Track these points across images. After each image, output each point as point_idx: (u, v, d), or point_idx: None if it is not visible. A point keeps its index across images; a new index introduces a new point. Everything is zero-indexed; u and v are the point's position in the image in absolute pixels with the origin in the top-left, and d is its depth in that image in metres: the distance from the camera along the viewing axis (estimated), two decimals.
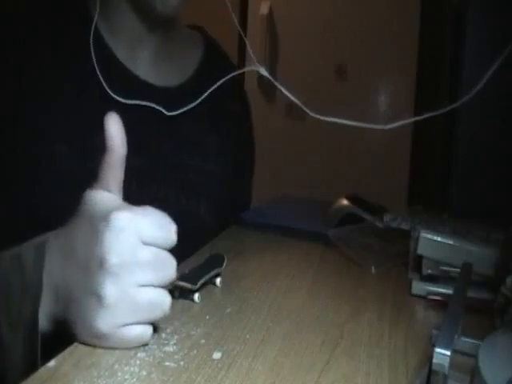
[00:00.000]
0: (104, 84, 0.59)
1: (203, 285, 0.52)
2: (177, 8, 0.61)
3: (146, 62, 0.67)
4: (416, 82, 2.01)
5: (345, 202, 0.82)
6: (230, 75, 0.54)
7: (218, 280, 0.55)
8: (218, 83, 0.55)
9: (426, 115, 0.44)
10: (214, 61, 0.74)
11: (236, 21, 0.58)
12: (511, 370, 0.34)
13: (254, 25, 2.25)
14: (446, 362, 0.33)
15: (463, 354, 0.42)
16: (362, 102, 2.17)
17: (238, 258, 0.66)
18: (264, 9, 2.24)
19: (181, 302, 0.51)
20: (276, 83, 0.54)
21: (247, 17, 2.32)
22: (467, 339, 0.43)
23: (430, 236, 0.58)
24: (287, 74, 2.29)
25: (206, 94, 0.56)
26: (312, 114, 0.52)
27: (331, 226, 0.80)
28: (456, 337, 0.39)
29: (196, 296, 0.50)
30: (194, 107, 0.59)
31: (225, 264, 0.56)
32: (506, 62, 0.41)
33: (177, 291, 0.50)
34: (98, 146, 0.56)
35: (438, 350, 0.33)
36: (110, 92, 0.59)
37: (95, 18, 0.60)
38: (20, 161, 0.59)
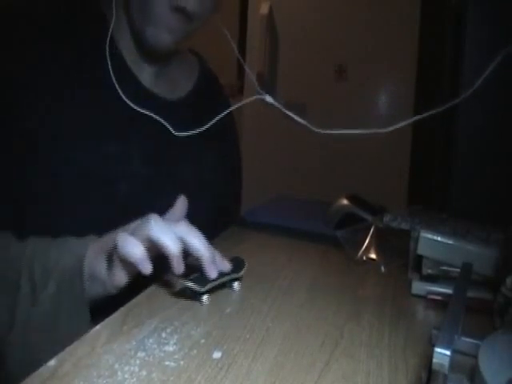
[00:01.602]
0: (117, 88, 0.63)
1: (220, 287, 0.54)
2: (169, 46, 0.64)
3: (150, 74, 0.71)
4: (416, 82, 2.02)
5: (345, 201, 0.82)
6: (236, 105, 0.67)
7: (235, 284, 0.56)
8: (230, 109, 0.69)
9: (426, 114, 0.44)
10: (207, 82, 0.82)
11: (235, 49, 0.66)
12: (511, 370, 0.34)
13: (254, 25, 2.25)
14: (446, 362, 0.33)
15: (463, 354, 0.42)
16: (361, 102, 2.18)
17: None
18: (264, 9, 2.24)
19: (181, 301, 0.51)
20: (282, 108, 0.59)
21: (247, 17, 2.32)
22: (467, 339, 0.43)
23: (430, 236, 0.58)
24: (287, 74, 2.29)
25: (216, 119, 0.64)
26: (317, 130, 0.55)
27: (331, 225, 0.80)
28: (456, 337, 0.39)
29: (204, 298, 0.51)
30: (191, 121, 0.66)
31: (244, 269, 0.56)
32: (506, 63, 0.41)
33: (188, 291, 0.52)
34: (108, 148, 0.63)
35: (437, 349, 0.33)
36: (122, 96, 0.63)
37: (111, 28, 0.64)
38: (31, 160, 0.60)
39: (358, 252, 0.70)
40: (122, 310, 0.48)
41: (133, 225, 0.52)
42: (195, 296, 0.51)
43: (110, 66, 0.63)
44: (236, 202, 0.91)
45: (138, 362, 0.39)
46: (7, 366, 0.51)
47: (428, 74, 1.83)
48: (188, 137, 0.66)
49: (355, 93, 2.18)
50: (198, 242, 0.51)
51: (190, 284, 0.51)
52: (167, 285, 0.55)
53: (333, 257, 0.71)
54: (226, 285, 0.55)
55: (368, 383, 0.39)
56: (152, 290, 0.54)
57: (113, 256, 0.51)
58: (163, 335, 0.44)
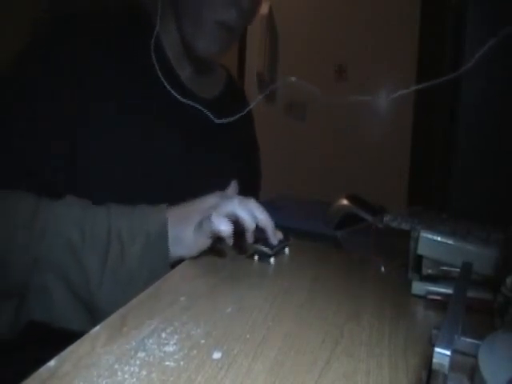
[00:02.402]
0: (166, 85, 0.72)
1: (276, 252, 0.66)
2: (215, 55, 0.75)
3: (190, 74, 0.80)
4: (416, 82, 2.01)
5: (345, 202, 0.82)
6: (257, 100, 0.78)
7: (286, 250, 0.69)
8: (250, 106, 0.81)
9: (427, 84, 0.43)
10: (233, 86, 0.95)
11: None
12: (511, 370, 0.34)
13: (254, 25, 2.25)
14: (446, 362, 0.33)
15: (463, 354, 0.42)
16: (362, 101, 2.17)
17: (238, 257, 0.66)
18: (264, 9, 2.24)
19: (181, 302, 0.51)
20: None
21: None
22: (467, 339, 0.43)
23: (430, 236, 0.58)
24: (287, 74, 2.29)
25: (253, 104, 0.80)
26: (317, 92, 0.60)
27: (331, 225, 0.80)
28: (456, 337, 0.39)
29: (272, 259, 0.65)
30: (222, 118, 0.75)
31: (291, 239, 0.70)
32: (506, 64, 0.41)
33: (256, 254, 0.65)
34: (153, 138, 0.72)
35: (437, 349, 0.33)
36: (172, 92, 0.72)
37: (156, 29, 0.73)
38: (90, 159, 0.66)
39: (357, 252, 0.70)
40: (121, 310, 0.48)
41: (212, 200, 0.63)
42: (263, 258, 0.65)
43: (156, 67, 0.72)
44: (255, 188, 1.00)
45: (137, 362, 0.39)
46: (94, 318, 0.56)
47: (428, 73, 1.83)
48: (218, 130, 0.78)
49: (355, 93, 2.17)
50: (265, 217, 0.63)
51: (262, 248, 0.65)
52: (235, 249, 0.67)
53: (333, 257, 0.71)
54: (280, 252, 0.68)
55: (368, 382, 0.39)
56: (152, 290, 0.54)
57: (202, 225, 0.60)
58: (163, 335, 0.44)
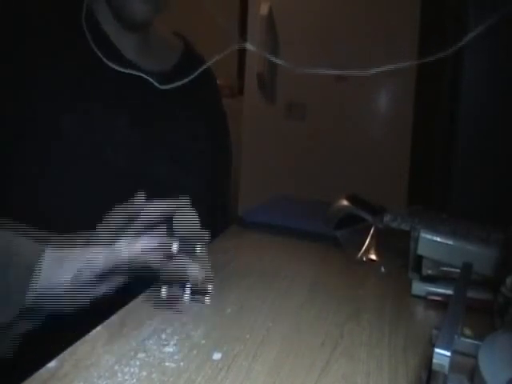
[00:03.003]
0: (96, 50, 0.66)
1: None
2: (146, 15, 0.69)
3: (132, 47, 0.74)
4: (416, 82, 2.01)
5: (345, 202, 0.82)
6: (213, 60, 0.63)
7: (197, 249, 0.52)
8: (204, 67, 0.65)
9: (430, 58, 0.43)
10: (191, 59, 0.82)
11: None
12: (511, 370, 0.34)
13: (254, 25, 2.25)
14: (446, 362, 0.33)
15: (463, 354, 0.42)
16: (362, 101, 2.17)
17: (238, 257, 0.66)
18: (264, 9, 2.24)
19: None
20: (264, 53, 0.58)
21: (247, 17, 2.32)
22: (467, 339, 0.43)
23: (429, 236, 0.58)
24: (287, 74, 2.29)
25: (194, 75, 0.64)
26: (295, 67, 0.55)
27: (331, 226, 0.80)
28: (456, 337, 0.39)
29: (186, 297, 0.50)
30: (172, 94, 0.66)
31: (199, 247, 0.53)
32: (506, 64, 0.41)
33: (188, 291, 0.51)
34: (94, 116, 0.65)
35: (437, 350, 0.33)
36: (105, 61, 0.66)
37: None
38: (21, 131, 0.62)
39: (358, 252, 0.70)
40: (121, 311, 0.48)
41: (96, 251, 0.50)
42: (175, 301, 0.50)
43: (89, 38, 0.66)
44: (226, 177, 0.92)
45: (138, 362, 0.39)
46: None
47: (428, 73, 1.83)
48: (172, 107, 0.72)
49: (355, 93, 2.17)
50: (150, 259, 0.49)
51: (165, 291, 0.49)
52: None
53: (333, 257, 0.71)
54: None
55: (368, 383, 0.39)
56: (152, 289, 0.54)
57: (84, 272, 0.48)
58: (163, 336, 0.44)
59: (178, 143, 0.75)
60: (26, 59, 0.63)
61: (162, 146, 0.72)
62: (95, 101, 0.67)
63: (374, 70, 0.46)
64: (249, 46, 0.59)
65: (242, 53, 2.40)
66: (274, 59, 0.58)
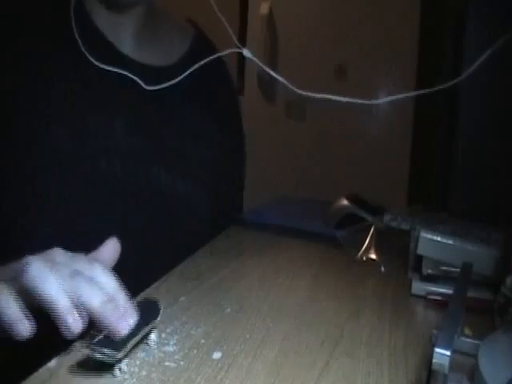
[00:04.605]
0: (83, 50, 0.58)
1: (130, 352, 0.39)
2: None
3: (128, 39, 0.66)
4: (416, 82, 2.02)
5: (345, 202, 0.82)
6: (216, 55, 0.58)
7: (152, 336, 0.42)
8: (202, 62, 0.58)
9: (426, 90, 0.44)
10: (202, 50, 0.71)
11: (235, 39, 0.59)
12: (511, 370, 0.34)
13: (254, 25, 2.25)
14: (446, 362, 0.33)
15: (463, 353, 0.42)
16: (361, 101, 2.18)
17: (238, 257, 0.66)
18: (264, 9, 2.24)
19: (181, 302, 0.51)
20: (261, 64, 0.56)
21: (247, 17, 2.32)
22: (467, 339, 0.43)
23: (429, 236, 0.58)
24: (287, 74, 2.29)
25: (189, 71, 0.58)
26: (297, 90, 0.54)
27: (331, 226, 0.80)
28: (456, 336, 0.39)
29: (121, 366, 0.38)
30: (179, 91, 0.60)
31: (160, 313, 0.43)
32: (506, 64, 0.41)
33: (95, 360, 0.37)
34: (87, 123, 0.58)
35: (437, 350, 0.33)
36: (90, 58, 0.58)
37: None
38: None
39: (358, 252, 0.70)
40: None
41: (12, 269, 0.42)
42: (105, 367, 0.37)
43: (76, 34, 0.59)
44: (238, 189, 0.84)
45: (137, 362, 0.39)
46: None
47: (428, 73, 1.82)
48: (177, 106, 0.64)
49: (355, 93, 2.17)
50: (90, 291, 0.38)
51: (102, 350, 0.36)
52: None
53: (333, 257, 0.71)
54: (143, 341, 0.41)
55: (368, 383, 0.39)
56: (152, 290, 0.54)
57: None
58: (163, 335, 0.44)
59: (181, 150, 0.67)
60: (9, 61, 0.57)
61: (164, 153, 0.65)
62: (86, 105, 0.60)
63: (375, 101, 0.46)
64: (247, 54, 0.55)
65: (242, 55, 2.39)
66: (275, 75, 0.55)
